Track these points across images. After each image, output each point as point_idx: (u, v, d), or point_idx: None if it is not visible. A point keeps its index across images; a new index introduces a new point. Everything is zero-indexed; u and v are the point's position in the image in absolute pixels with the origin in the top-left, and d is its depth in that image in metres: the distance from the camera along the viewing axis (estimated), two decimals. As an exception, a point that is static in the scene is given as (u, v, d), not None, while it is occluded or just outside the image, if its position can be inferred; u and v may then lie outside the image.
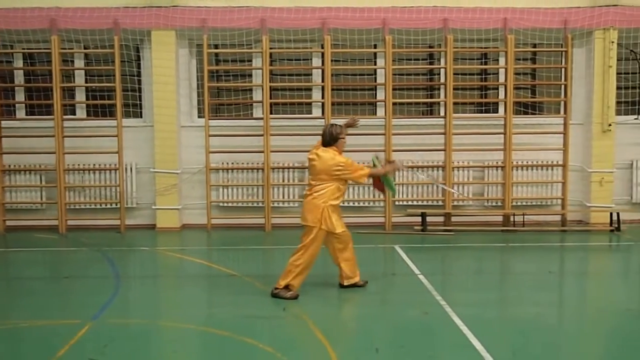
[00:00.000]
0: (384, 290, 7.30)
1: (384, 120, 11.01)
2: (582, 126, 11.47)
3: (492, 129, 11.17)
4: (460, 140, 11.07)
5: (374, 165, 7.01)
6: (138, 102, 11.39)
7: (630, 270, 8.76)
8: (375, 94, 11.61)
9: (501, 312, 6.52)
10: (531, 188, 11.42)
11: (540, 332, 5.64)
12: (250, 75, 11.57)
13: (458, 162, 11.24)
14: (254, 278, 7.59)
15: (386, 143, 10.90)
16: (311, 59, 11.54)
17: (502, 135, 11.06)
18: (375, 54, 11.41)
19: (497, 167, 11.27)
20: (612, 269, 8.84)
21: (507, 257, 9.32)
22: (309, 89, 11.56)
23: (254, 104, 11.49)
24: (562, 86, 11.32)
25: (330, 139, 6.71)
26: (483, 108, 11.75)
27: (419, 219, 10.75)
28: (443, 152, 11.05)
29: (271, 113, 11.07)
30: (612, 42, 10.95)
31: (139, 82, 11.35)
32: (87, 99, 11.44)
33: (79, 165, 11.16)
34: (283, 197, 11.36)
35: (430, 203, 11.29)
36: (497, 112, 11.66)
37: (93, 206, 11.28)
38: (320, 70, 11.20)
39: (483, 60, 11.75)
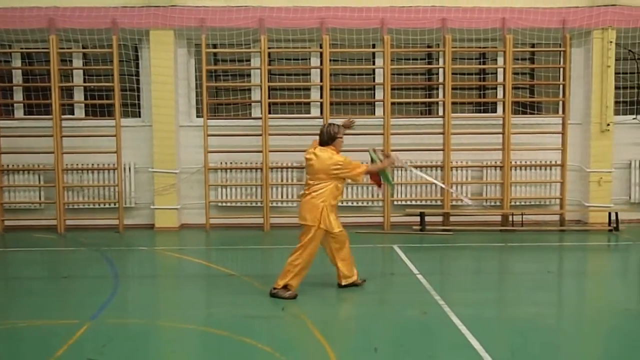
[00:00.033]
0: (382, 290, 7.31)
1: (382, 120, 11.01)
2: (581, 126, 11.48)
3: (490, 128, 11.18)
4: (458, 140, 11.07)
5: (372, 160, 7.01)
6: (136, 101, 11.38)
7: (628, 270, 8.77)
8: (374, 93, 11.61)
9: (500, 311, 6.53)
10: (530, 188, 11.43)
11: (539, 332, 5.65)
12: (248, 75, 11.57)
13: (456, 162, 11.24)
14: (252, 278, 7.59)
15: (385, 143, 10.89)
16: (310, 59, 11.53)
17: (501, 135, 11.06)
18: (373, 53, 11.41)
19: (495, 167, 11.27)
20: (610, 268, 8.85)
21: (505, 257, 9.33)
22: (308, 89, 11.55)
23: (253, 104, 11.49)
24: (561, 86, 11.32)
25: (328, 138, 6.72)
26: (481, 108, 11.74)
27: (418, 218, 10.76)
28: (441, 151, 11.06)
29: (270, 113, 11.06)
30: (611, 42, 10.95)
31: (138, 81, 11.33)
32: (86, 98, 11.41)
33: (77, 165, 11.14)
34: (282, 196, 11.35)
35: (428, 203, 11.31)
36: (495, 111, 11.67)
37: (91, 206, 11.27)
38: (318, 70, 11.19)
39: (481, 60, 11.73)
